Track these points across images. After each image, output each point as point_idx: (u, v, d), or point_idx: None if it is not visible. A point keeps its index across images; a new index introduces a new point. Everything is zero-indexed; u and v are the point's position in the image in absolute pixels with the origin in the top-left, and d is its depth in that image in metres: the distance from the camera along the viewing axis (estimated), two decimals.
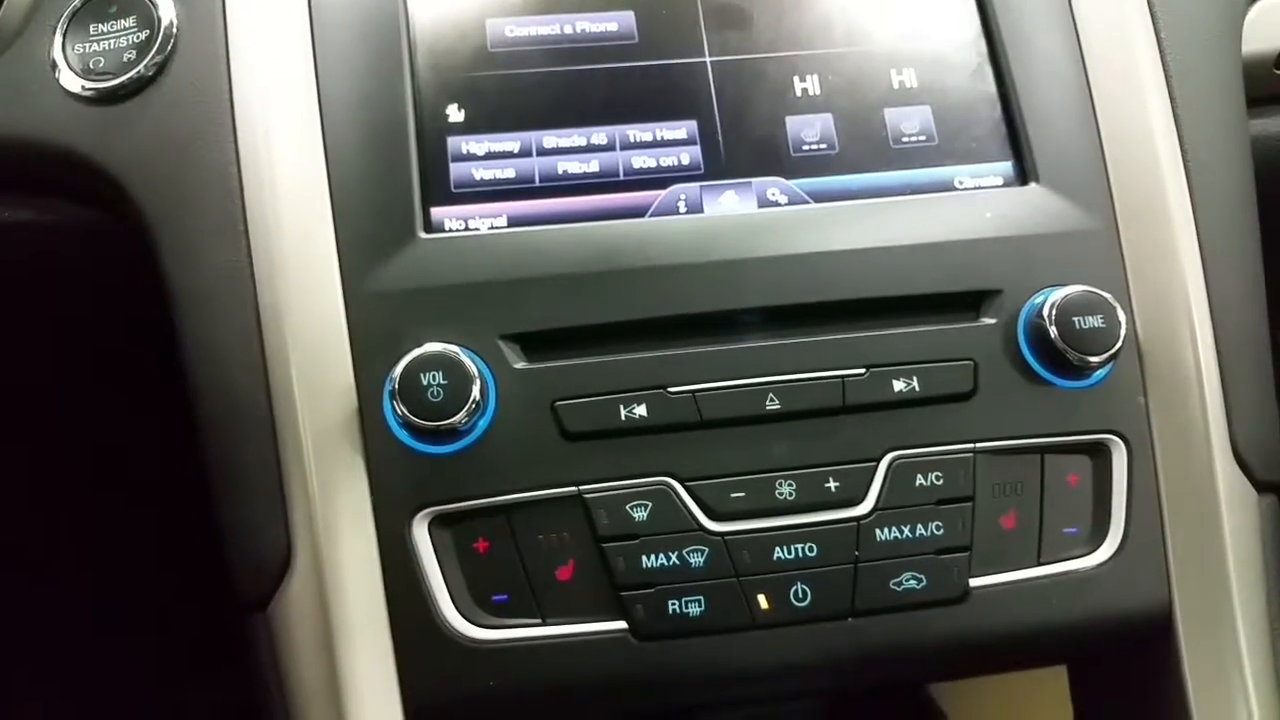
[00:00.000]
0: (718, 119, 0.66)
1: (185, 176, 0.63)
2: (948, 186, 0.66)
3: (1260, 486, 0.65)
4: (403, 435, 0.58)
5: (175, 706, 1.19)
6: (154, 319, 0.65)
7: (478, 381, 0.57)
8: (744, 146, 0.66)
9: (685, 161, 0.66)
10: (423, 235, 0.62)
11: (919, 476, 0.60)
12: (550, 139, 0.65)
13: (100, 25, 0.66)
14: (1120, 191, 0.66)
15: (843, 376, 0.61)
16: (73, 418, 0.97)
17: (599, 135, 0.66)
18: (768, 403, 0.60)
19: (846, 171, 0.66)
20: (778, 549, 0.59)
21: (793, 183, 0.66)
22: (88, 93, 0.65)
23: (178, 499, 1.02)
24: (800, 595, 0.59)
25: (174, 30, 0.66)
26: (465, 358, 0.58)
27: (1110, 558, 0.62)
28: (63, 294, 0.79)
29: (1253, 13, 0.76)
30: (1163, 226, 0.66)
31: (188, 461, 0.64)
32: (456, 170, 0.64)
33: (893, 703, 0.71)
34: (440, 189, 0.64)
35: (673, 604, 0.58)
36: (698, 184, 0.65)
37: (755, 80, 0.67)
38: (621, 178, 0.65)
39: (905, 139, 0.67)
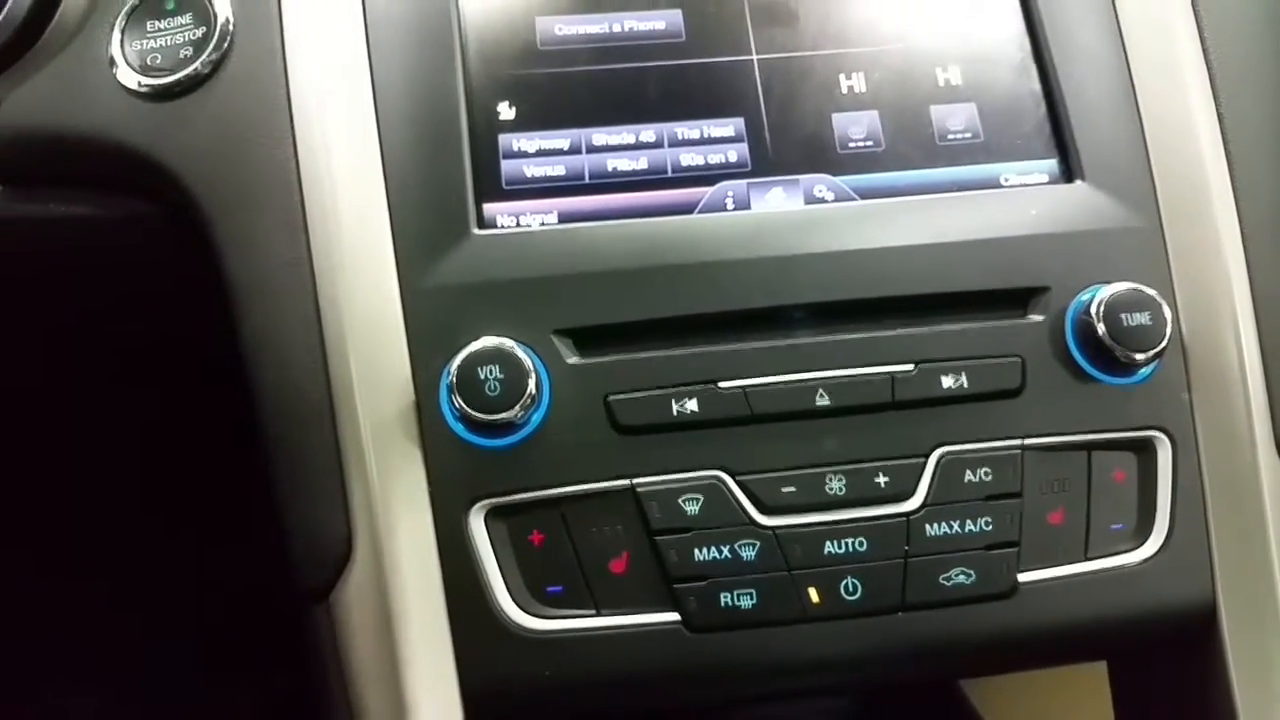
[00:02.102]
0: (764, 116, 0.67)
1: (243, 172, 0.64)
2: (993, 183, 0.67)
3: None
4: (459, 429, 0.59)
5: (227, 705, 1.20)
6: (203, 313, 0.66)
7: (533, 376, 0.58)
8: (791, 144, 0.67)
9: (733, 159, 0.66)
10: (476, 231, 0.63)
11: (968, 472, 0.61)
12: (599, 136, 0.66)
13: (158, 22, 0.67)
14: (1164, 189, 0.67)
15: (892, 373, 0.62)
16: (118, 412, 0.98)
17: (647, 133, 0.66)
18: (817, 398, 0.61)
19: (892, 168, 0.67)
20: (828, 543, 0.60)
21: (839, 179, 0.66)
22: (145, 89, 0.66)
23: (221, 498, 1.04)
24: (850, 589, 0.60)
25: (230, 28, 0.66)
26: (520, 352, 0.58)
27: (1156, 553, 0.63)
28: (112, 286, 0.80)
29: None
30: (1206, 224, 0.66)
31: (233, 459, 0.65)
32: (508, 167, 0.65)
33: (927, 703, 0.72)
34: (492, 186, 0.64)
35: (725, 596, 0.59)
36: (745, 181, 0.66)
37: (801, 78, 0.68)
38: (670, 175, 0.66)
39: (951, 136, 0.68)
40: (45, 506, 1.07)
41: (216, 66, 0.66)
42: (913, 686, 0.70)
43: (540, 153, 0.65)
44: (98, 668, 1.15)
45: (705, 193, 0.66)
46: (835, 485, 0.60)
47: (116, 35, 0.67)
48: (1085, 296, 0.63)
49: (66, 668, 1.14)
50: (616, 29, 0.68)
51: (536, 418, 0.59)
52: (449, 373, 0.58)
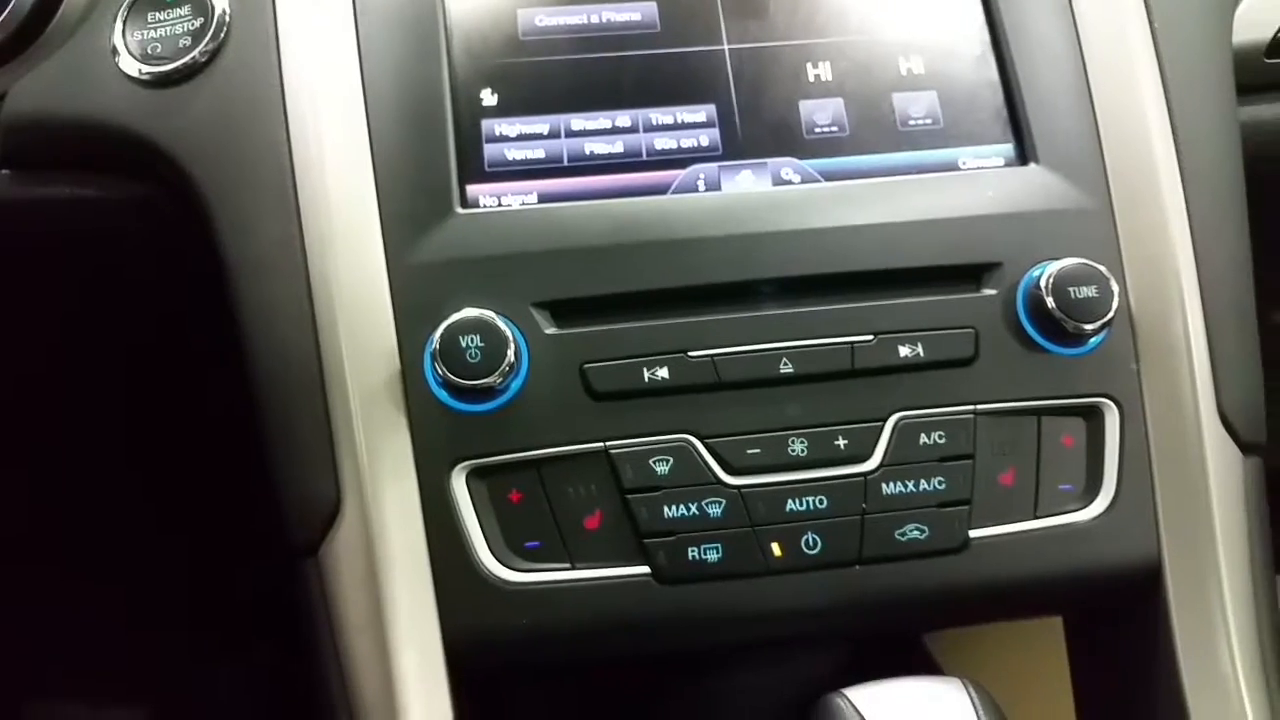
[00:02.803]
0: (735, 103, 0.70)
1: (239, 155, 0.67)
2: (952, 166, 0.70)
3: (1245, 448, 0.69)
4: (442, 394, 0.62)
5: (208, 685, 1.23)
6: (200, 289, 0.69)
7: (512, 345, 0.61)
8: (760, 129, 0.70)
9: (704, 143, 0.70)
10: (459, 211, 0.66)
11: (923, 435, 0.64)
12: (578, 121, 0.69)
13: (158, 14, 0.71)
14: (1115, 172, 0.70)
15: (852, 343, 0.65)
16: (118, 387, 1.01)
17: (623, 118, 0.70)
18: (781, 366, 0.64)
19: (856, 152, 0.70)
20: (790, 501, 0.63)
21: (806, 163, 0.70)
22: (146, 76, 0.69)
23: (215, 469, 1.07)
24: (811, 544, 0.63)
25: (226, 18, 0.70)
26: (500, 323, 0.62)
27: (1103, 513, 0.66)
28: (114, 265, 0.84)
29: (1244, 4, 0.79)
30: (1155, 205, 0.69)
31: (226, 430, 0.68)
32: (490, 151, 0.68)
33: (893, 661, 0.75)
34: (475, 168, 0.68)
35: (692, 551, 0.62)
36: (716, 164, 0.69)
37: (771, 66, 0.71)
38: (644, 158, 0.69)
39: (912, 122, 0.71)
40: (42, 479, 1.09)
41: (213, 55, 0.69)
42: (878, 644, 0.73)
43: (521, 137, 0.69)
44: (80, 646, 1.18)
45: (678, 175, 0.69)
46: (797, 447, 0.64)
47: (119, 26, 0.71)
48: (1036, 271, 0.66)
49: (50, 642, 1.16)
50: (595, 20, 0.72)
51: (516, 384, 0.63)
52: (433, 341, 0.61)
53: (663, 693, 0.80)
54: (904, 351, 0.65)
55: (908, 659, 0.74)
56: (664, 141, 0.69)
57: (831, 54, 0.72)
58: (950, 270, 0.67)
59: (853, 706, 0.57)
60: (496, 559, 0.63)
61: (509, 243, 0.65)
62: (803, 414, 0.64)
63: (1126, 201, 0.69)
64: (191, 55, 0.69)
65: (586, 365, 0.63)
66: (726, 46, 0.72)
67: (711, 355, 0.64)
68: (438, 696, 0.62)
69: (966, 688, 0.58)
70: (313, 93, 0.68)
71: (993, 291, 0.67)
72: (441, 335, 0.61)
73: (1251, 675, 0.66)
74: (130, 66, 0.70)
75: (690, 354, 0.64)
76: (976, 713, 0.56)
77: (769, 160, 0.70)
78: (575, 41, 0.71)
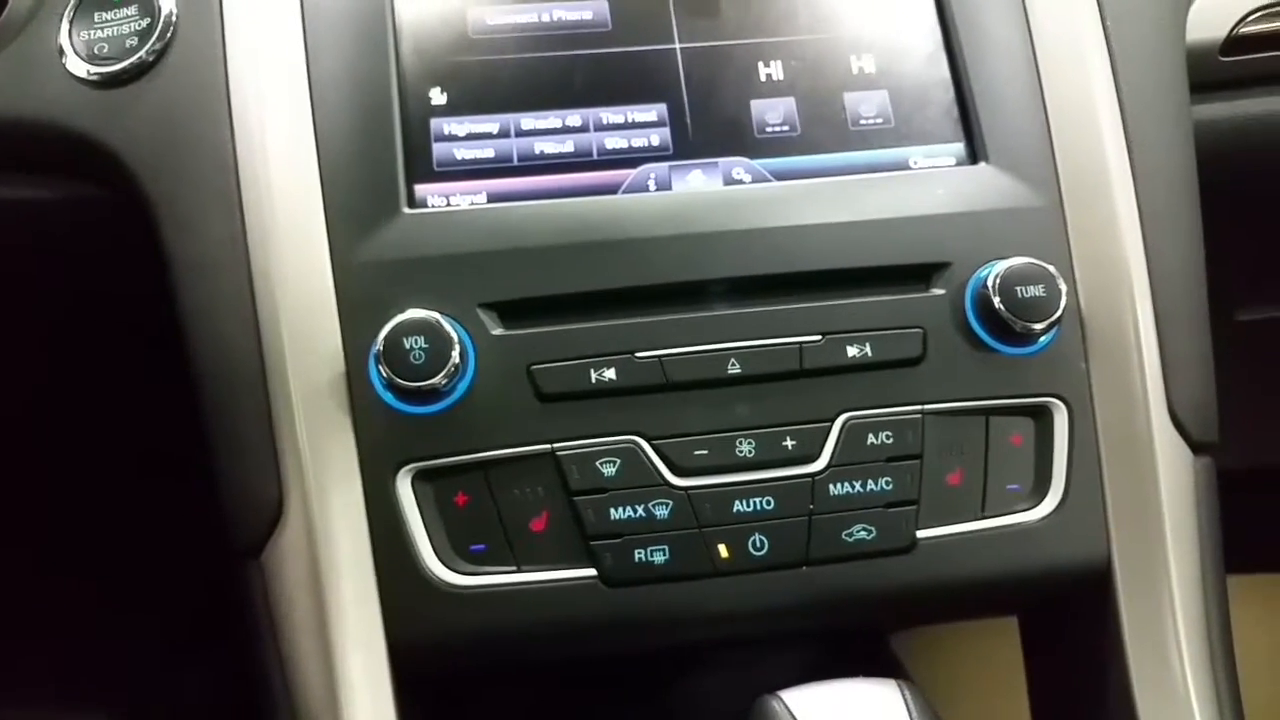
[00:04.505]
0: (686, 102, 0.70)
1: (184, 154, 0.67)
2: (903, 166, 0.70)
3: (1196, 448, 0.69)
4: (387, 396, 0.62)
5: (173, 686, 1.23)
6: (141, 290, 0.69)
7: (457, 346, 0.61)
8: (711, 128, 0.70)
9: (655, 142, 0.69)
10: (406, 210, 0.66)
11: (870, 436, 0.64)
12: (528, 121, 0.69)
13: (104, 14, 0.70)
14: (1066, 171, 0.70)
15: (800, 343, 0.65)
16: (62, 385, 1.00)
17: (574, 117, 0.70)
18: (729, 367, 0.64)
19: (807, 152, 0.70)
20: (737, 502, 0.63)
21: (757, 162, 0.70)
22: (93, 77, 0.69)
23: (162, 466, 1.06)
24: (758, 545, 0.63)
25: (173, 18, 0.69)
26: (446, 324, 0.61)
27: (1051, 513, 0.66)
28: (53, 268, 0.83)
29: (1198, 2, 0.80)
30: (1105, 204, 0.70)
31: (172, 427, 0.68)
32: (439, 150, 0.68)
33: (855, 660, 0.75)
34: (423, 167, 0.67)
35: (639, 553, 0.62)
36: (667, 163, 0.69)
37: (722, 65, 0.71)
38: (595, 157, 0.69)
39: (863, 121, 0.71)
40: None
41: (160, 55, 0.69)
42: (841, 647, 0.73)
43: (470, 136, 0.69)
44: (51, 644, 1.17)
45: (629, 174, 0.69)
46: (745, 448, 0.64)
47: (65, 25, 0.70)
48: (984, 271, 0.66)
49: (20, 641, 1.16)
50: (545, 19, 0.71)
51: (462, 386, 0.62)
52: (377, 343, 0.61)
53: (617, 694, 0.80)
54: (852, 351, 0.65)
55: (869, 662, 0.74)
56: (615, 141, 0.69)
57: (783, 53, 0.72)
58: (899, 270, 0.67)
59: (786, 708, 0.57)
60: (442, 562, 0.62)
61: (457, 243, 0.65)
62: (751, 414, 0.64)
63: (1077, 200, 0.70)
64: (139, 55, 0.69)
65: (534, 366, 0.63)
66: (678, 45, 0.72)
67: (659, 356, 0.64)
68: (381, 699, 0.62)
69: (901, 689, 0.58)
70: (259, 91, 0.68)
71: (941, 291, 0.67)
72: (385, 336, 0.61)
73: (1199, 673, 0.66)
74: (77, 67, 0.69)
75: (638, 355, 0.64)
76: (910, 714, 0.56)
77: (720, 160, 0.70)
78: (526, 40, 0.71)
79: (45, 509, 1.14)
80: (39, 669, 1.18)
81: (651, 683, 0.79)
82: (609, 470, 0.63)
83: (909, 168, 0.70)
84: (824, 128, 0.71)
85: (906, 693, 0.56)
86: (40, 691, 1.20)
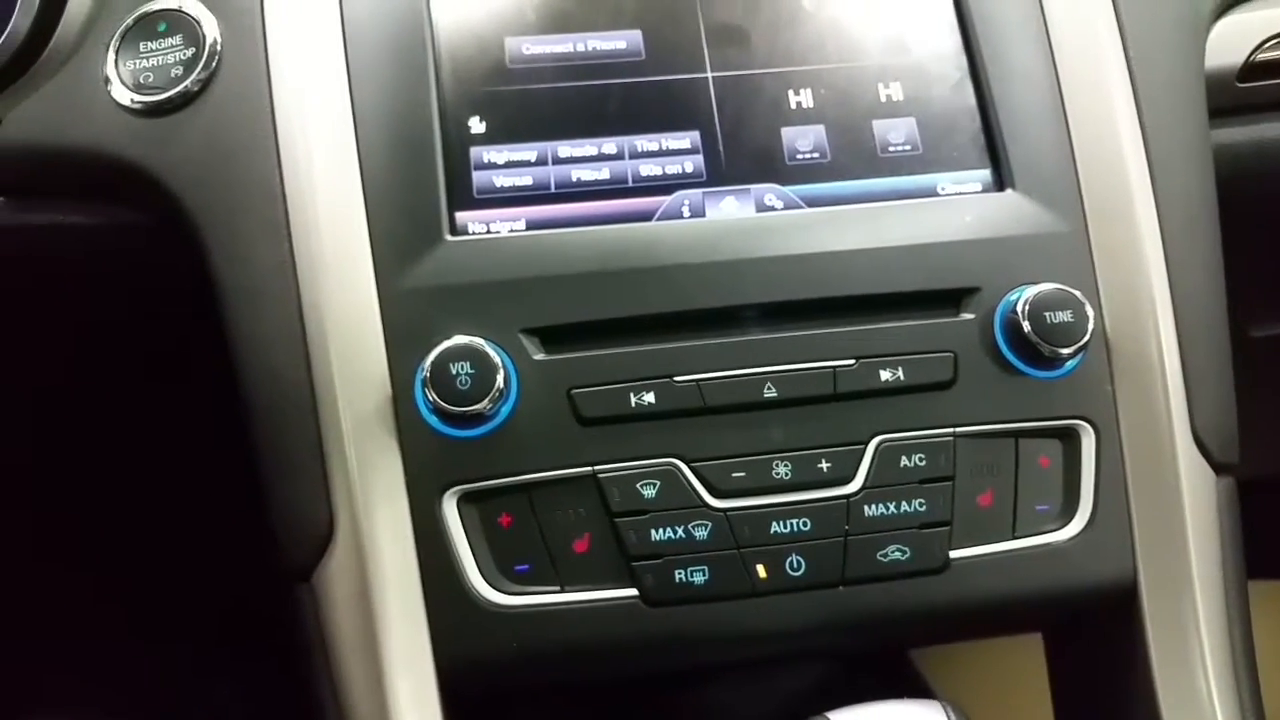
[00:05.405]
0: (719, 130, 0.72)
1: (231, 182, 0.68)
2: (931, 192, 0.72)
3: (1219, 469, 0.71)
4: (433, 420, 0.63)
5: (206, 697, 1.24)
6: (188, 315, 0.70)
7: (501, 371, 0.62)
8: (743, 155, 0.71)
9: (689, 169, 0.71)
10: (449, 238, 0.67)
11: (904, 458, 0.66)
12: (565, 149, 0.71)
13: (150, 43, 0.71)
14: (1090, 197, 0.71)
15: (834, 367, 0.66)
16: (110, 409, 1.02)
17: (609, 145, 0.71)
18: (765, 391, 0.66)
19: (837, 178, 0.72)
20: (774, 523, 0.65)
21: (788, 189, 0.71)
22: (138, 106, 0.70)
23: (209, 491, 1.07)
24: (795, 565, 0.65)
25: (218, 48, 0.70)
26: (490, 349, 0.63)
27: (1079, 533, 0.67)
28: (104, 294, 0.84)
29: (1216, 29, 0.81)
30: (1129, 229, 0.71)
31: (220, 453, 0.69)
32: (479, 178, 0.69)
33: (879, 677, 0.77)
34: (464, 195, 0.69)
35: (679, 573, 0.64)
36: (700, 190, 0.70)
37: (753, 94, 0.73)
38: (630, 184, 0.70)
39: (892, 148, 0.73)
40: (39, 500, 1.10)
41: (205, 84, 0.70)
42: (865, 661, 0.75)
43: (509, 164, 0.70)
44: (87, 661, 1.18)
45: (663, 201, 0.70)
46: (781, 470, 0.65)
47: (111, 55, 0.71)
48: (1013, 296, 0.67)
49: (57, 660, 1.17)
50: (580, 48, 0.73)
51: (505, 410, 0.64)
52: (423, 369, 0.62)
53: (653, 711, 0.81)
54: (885, 375, 0.66)
55: (893, 676, 0.76)
56: (649, 168, 0.71)
57: (812, 81, 0.74)
58: (930, 295, 0.69)
59: None
60: (487, 582, 0.64)
61: (498, 270, 0.66)
62: (786, 437, 0.66)
63: (1101, 225, 0.71)
64: (184, 85, 0.70)
65: (574, 390, 0.65)
66: (710, 74, 0.73)
67: (697, 380, 0.65)
68: (430, 718, 0.63)
69: (946, 710, 0.59)
70: (303, 121, 0.69)
71: (971, 316, 0.68)
72: (432, 362, 0.62)
73: (1225, 692, 0.68)
74: (123, 95, 0.71)
75: (676, 379, 0.65)
76: None
77: (752, 186, 0.71)
78: (562, 69, 0.72)
79: (85, 523, 1.15)
80: (72, 679, 1.19)
81: (676, 697, 0.81)
82: (649, 492, 0.64)
83: (937, 194, 0.72)
84: (853, 154, 0.72)
85: (951, 713, 0.58)
86: (72, 697, 1.21)
